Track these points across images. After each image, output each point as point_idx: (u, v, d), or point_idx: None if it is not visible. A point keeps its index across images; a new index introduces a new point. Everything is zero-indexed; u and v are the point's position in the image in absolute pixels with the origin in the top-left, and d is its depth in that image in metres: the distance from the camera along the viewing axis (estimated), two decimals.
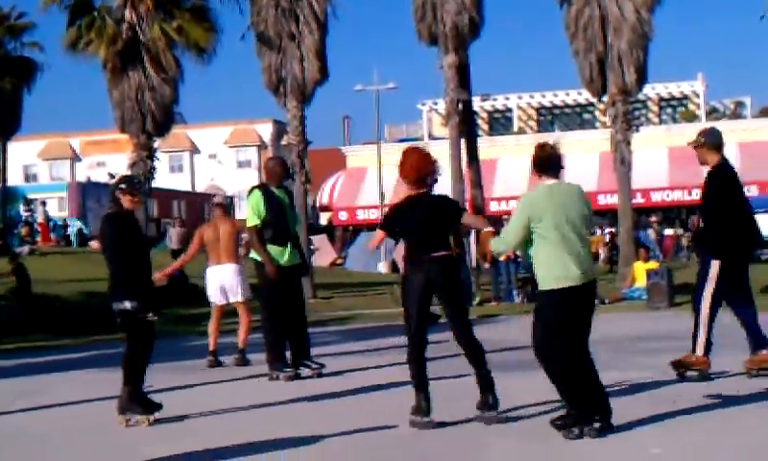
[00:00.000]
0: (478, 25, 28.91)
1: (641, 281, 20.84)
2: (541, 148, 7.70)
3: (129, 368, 9.17)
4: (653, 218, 44.95)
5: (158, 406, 9.25)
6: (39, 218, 42.16)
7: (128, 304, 8.99)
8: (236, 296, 13.05)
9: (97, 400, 10.59)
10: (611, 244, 38.23)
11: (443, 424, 8.21)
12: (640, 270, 21.42)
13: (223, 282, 13.06)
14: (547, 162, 7.65)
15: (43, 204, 44.06)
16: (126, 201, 9.21)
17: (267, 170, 12.21)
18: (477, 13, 28.68)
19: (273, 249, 11.53)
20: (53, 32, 59.81)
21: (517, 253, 22.50)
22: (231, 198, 14.47)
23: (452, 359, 12.45)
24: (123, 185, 9.25)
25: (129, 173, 9.55)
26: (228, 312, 13.75)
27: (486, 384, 8.23)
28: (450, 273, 8.40)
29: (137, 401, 9.15)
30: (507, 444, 7.64)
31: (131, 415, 9.12)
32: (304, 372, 11.55)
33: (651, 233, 43.16)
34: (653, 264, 22.48)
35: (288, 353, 11.65)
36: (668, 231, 45.32)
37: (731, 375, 10.23)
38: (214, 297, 13.20)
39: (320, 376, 11.49)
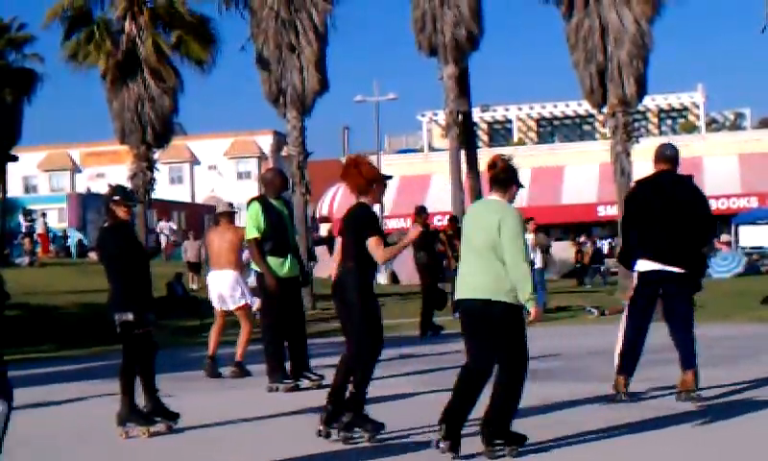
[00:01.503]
0: (478, 36, 28.99)
1: None
2: (490, 165, 7.69)
3: (126, 379, 9.16)
4: None
5: (175, 415, 9.25)
6: (39, 229, 42.20)
7: (131, 316, 9.00)
8: (234, 303, 13.05)
9: (96, 410, 10.57)
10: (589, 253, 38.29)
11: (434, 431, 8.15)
12: None
13: (220, 290, 13.07)
14: (492, 178, 7.64)
15: (44, 215, 44.12)
16: (121, 212, 9.20)
17: (265, 181, 12.21)
18: (477, 25, 28.76)
19: (272, 260, 11.52)
20: (53, 43, 59.77)
21: None
22: (232, 205, 14.48)
23: (446, 372, 12.45)
24: (116, 197, 9.24)
25: (119, 183, 9.47)
26: (232, 323, 13.74)
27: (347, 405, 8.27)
28: (338, 287, 8.49)
29: (137, 412, 9.13)
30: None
31: (130, 426, 9.10)
32: (304, 383, 11.54)
33: None
34: None
35: (288, 365, 11.64)
36: None
37: (722, 387, 10.23)
38: (214, 302, 13.24)
39: (319, 387, 11.46)
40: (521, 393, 7.47)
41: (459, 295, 7.54)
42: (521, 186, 7.74)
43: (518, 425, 7.53)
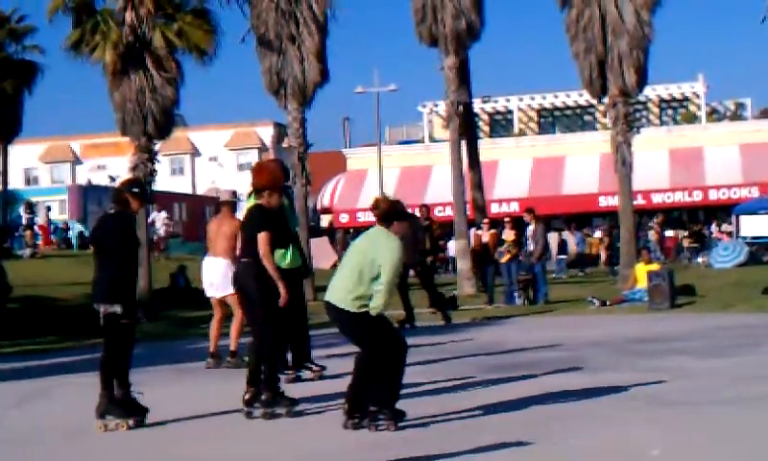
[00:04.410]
0: (478, 27, 28.93)
1: (643, 283, 20.82)
2: (374, 206, 8.65)
3: (106, 372, 9.18)
4: (656, 220, 44.90)
5: (144, 410, 9.21)
6: (40, 221, 42.15)
7: (118, 309, 9.02)
8: (223, 290, 12.88)
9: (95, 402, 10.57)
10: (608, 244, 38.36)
11: (438, 422, 8.20)
12: (642, 271, 21.40)
13: (211, 277, 13.00)
14: (376, 217, 8.58)
15: (48, 208, 44.07)
16: (135, 204, 9.29)
17: None
18: (477, 15, 28.70)
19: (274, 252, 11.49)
20: (54, 35, 59.78)
21: (519, 254, 22.59)
22: (235, 193, 14.57)
23: (450, 362, 12.49)
24: (136, 189, 9.34)
25: (137, 177, 9.71)
26: (231, 315, 13.70)
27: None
28: (238, 280, 9.61)
29: (117, 405, 9.11)
30: (503, 442, 7.61)
31: (109, 419, 9.07)
32: (305, 374, 11.56)
33: (652, 235, 43.20)
34: (654, 266, 22.46)
35: (289, 355, 11.64)
36: (669, 233, 45.32)
37: (727, 377, 10.24)
38: (207, 290, 13.19)
39: (321, 378, 11.50)
40: (401, 376, 8.41)
41: (326, 297, 8.68)
42: (406, 219, 8.67)
43: (520, 414, 7.51)
